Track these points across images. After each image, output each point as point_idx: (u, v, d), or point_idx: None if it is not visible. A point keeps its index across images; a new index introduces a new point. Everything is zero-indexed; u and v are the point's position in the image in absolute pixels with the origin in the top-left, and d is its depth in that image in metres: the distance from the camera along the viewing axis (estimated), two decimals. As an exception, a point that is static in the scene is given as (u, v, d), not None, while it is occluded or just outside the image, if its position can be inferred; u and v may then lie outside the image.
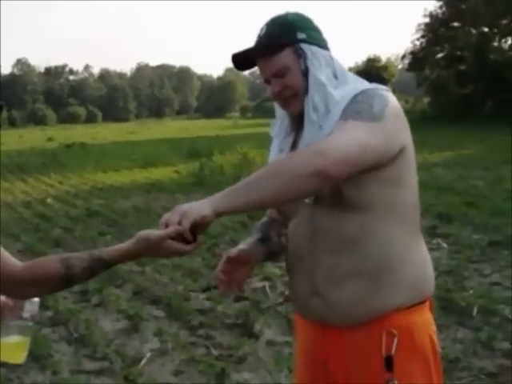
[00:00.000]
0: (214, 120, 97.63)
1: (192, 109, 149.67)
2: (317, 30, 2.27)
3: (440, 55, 47.35)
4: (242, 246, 2.35)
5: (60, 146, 39.40)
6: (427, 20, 47.15)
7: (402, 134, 2.18)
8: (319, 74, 2.18)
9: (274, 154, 2.39)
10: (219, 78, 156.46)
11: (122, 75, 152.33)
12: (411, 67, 48.71)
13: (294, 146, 2.31)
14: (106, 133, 62.16)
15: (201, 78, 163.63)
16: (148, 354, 5.55)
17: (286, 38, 2.19)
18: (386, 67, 63.25)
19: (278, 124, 2.39)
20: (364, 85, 2.23)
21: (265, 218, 2.57)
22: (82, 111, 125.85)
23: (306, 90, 2.19)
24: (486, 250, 8.37)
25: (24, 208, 14.46)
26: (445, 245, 8.79)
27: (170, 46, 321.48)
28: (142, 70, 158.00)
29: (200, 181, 16.43)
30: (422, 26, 47.41)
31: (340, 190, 2.08)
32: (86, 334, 6.01)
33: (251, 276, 2.52)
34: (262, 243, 2.40)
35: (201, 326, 6.09)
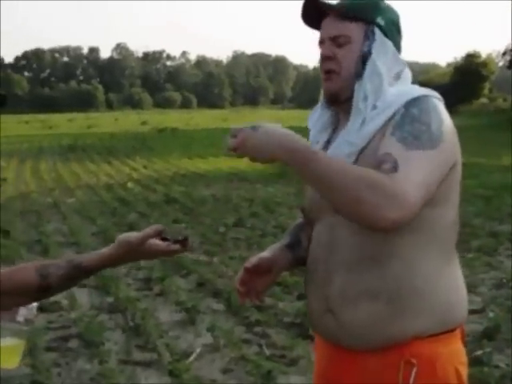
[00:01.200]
0: (308, 111, 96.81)
1: (287, 98, 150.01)
2: (397, 29, 2.07)
3: (542, 53, 45.88)
4: (265, 252, 2.17)
5: (152, 130, 40.00)
6: (531, 16, 45.71)
7: (456, 151, 1.97)
8: (380, 63, 1.98)
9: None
10: (315, 69, 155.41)
11: (218, 62, 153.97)
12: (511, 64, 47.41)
13: (328, 141, 2.11)
14: (199, 119, 62.80)
15: (296, 67, 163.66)
16: (198, 349, 5.41)
17: (366, 13, 2.01)
18: (485, 64, 61.73)
19: (317, 116, 2.19)
20: (417, 89, 2.01)
21: (299, 219, 2.36)
22: (177, 96, 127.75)
23: (357, 75, 1.98)
24: None
25: (105, 191, 14.59)
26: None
27: (266, 35, 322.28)
28: (238, 58, 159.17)
29: (282, 172, 16.25)
30: (526, 23, 45.98)
31: None
32: (141, 323, 5.90)
33: (274, 283, 2.32)
34: (291, 249, 2.22)
35: (257, 323, 5.90)
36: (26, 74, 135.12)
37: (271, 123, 1.83)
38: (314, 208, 2.11)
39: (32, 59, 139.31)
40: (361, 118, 1.96)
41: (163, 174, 17.57)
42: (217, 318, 6.12)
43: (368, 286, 1.94)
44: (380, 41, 1.99)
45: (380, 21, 2.00)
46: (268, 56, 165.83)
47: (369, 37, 1.99)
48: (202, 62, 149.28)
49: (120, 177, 17.16)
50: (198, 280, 7.36)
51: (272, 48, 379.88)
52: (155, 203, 12.69)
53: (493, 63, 62.76)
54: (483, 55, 62.74)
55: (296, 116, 71.39)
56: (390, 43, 2.01)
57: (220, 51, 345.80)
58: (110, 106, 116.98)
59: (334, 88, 2.03)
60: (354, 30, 1.99)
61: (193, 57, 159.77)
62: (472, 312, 6.07)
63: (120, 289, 6.89)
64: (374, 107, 1.96)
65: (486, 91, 62.95)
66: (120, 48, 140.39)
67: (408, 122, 1.87)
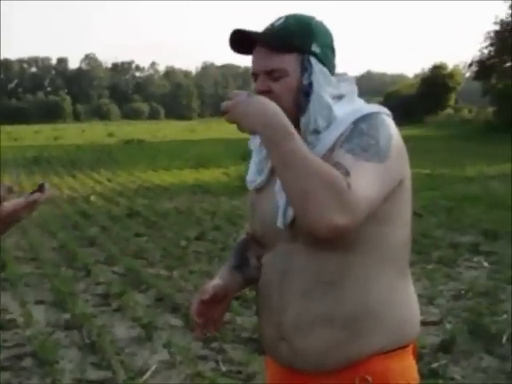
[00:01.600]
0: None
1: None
2: (332, 51, 2.03)
3: (508, 64, 46.40)
4: (217, 280, 2.12)
5: (119, 142, 39.85)
6: (497, 28, 46.27)
7: (403, 167, 1.97)
8: (324, 93, 1.95)
9: (251, 173, 2.17)
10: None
11: (187, 73, 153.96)
12: (478, 76, 47.93)
13: (273, 169, 2.05)
14: (167, 130, 62.63)
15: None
16: (154, 366, 5.35)
17: (299, 43, 1.95)
18: (451, 75, 62.33)
19: (258, 140, 2.12)
20: (365, 107, 1.99)
21: (243, 236, 2.35)
22: (145, 108, 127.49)
23: (298, 108, 1.95)
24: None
25: (67, 204, 14.46)
26: (486, 263, 8.41)
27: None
28: (207, 69, 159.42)
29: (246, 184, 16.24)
30: (492, 34, 46.60)
31: None
32: (97, 340, 5.83)
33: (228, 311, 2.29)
34: (239, 270, 2.19)
35: (214, 339, 5.84)
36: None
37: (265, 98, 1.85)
38: (268, 234, 2.08)
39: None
40: (310, 146, 1.92)
41: (127, 187, 17.45)
42: (174, 334, 6.06)
43: (322, 312, 1.93)
44: (318, 70, 1.95)
45: (315, 48, 1.96)
46: (237, 67, 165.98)
47: (306, 68, 1.95)
48: (170, 73, 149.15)
49: (83, 190, 17.01)
50: (157, 295, 7.30)
51: (241, 59, 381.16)
52: (117, 217, 12.59)
53: (459, 74, 63.31)
54: (450, 66, 63.33)
55: (264, 127, 71.66)
56: (325, 70, 1.97)
57: (189, 62, 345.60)
58: (77, 117, 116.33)
59: None
60: (289, 61, 1.95)
61: (162, 68, 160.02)
62: (430, 324, 6.10)
63: (77, 305, 6.81)
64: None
65: (452, 102, 63.50)
66: (89, 59, 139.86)
67: (356, 136, 1.88)
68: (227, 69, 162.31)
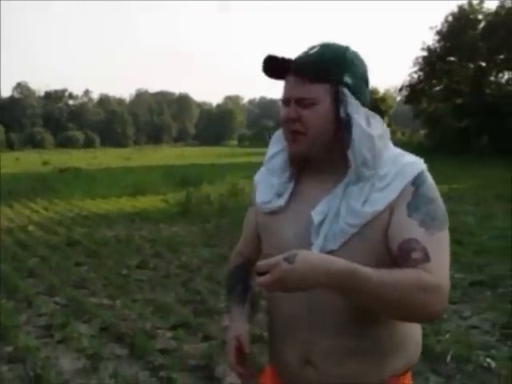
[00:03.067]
0: (211, 148, 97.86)
1: (190, 136, 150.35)
2: (366, 83, 2.06)
3: (437, 88, 47.58)
4: (241, 324, 2.17)
5: (54, 170, 39.26)
6: (425, 53, 47.40)
7: None
8: (364, 123, 1.97)
9: (266, 194, 2.17)
10: (218, 106, 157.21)
11: (121, 101, 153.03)
12: (408, 100, 48.99)
13: (292, 193, 2.11)
14: (102, 158, 62.10)
15: (200, 105, 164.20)
16: (101, 398, 5.28)
17: (332, 73, 1.96)
18: (383, 99, 63.29)
19: (279, 162, 2.16)
20: (411, 159, 2.05)
21: (239, 261, 2.41)
22: (80, 135, 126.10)
23: (346, 143, 1.96)
24: (467, 291, 8.13)
25: (5, 235, 14.18)
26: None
27: (169, 73, 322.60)
28: (141, 96, 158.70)
29: (185, 210, 16.20)
30: (420, 60, 47.76)
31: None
32: (41, 373, 5.72)
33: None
34: (250, 306, 2.26)
35: (162, 367, 5.80)
36: None
37: (300, 250, 1.76)
38: None
39: None
40: (367, 184, 1.95)
41: (65, 216, 17.20)
42: (120, 364, 5.99)
43: (354, 346, 2.00)
44: (351, 100, 1.97)
45: (348, 79, 1.97)
46: (171, 94, 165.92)
47: (339, 98, 1.96)
48: (104, 101, 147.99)
49: (20, 220, 16.71)
50: (101, 325, 7.19)
51: (175, 86, 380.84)
52: (57, 246, 12.39)
53: (391, 98, 64.40)
54: (381, 91, 64.36)
55: (199, 153, 71.65)
56: (357, 102, 1.98)
57: (123, 90, 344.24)
58: (10, 146, 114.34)
59: (299, 150, 2.01)
60: (320, 91, 1.95)
61: (95, 95, 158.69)
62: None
63: (20, 337, 6.67)
64: (377, 174, 1.97)
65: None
66: (21, 87, 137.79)
67: (423, 203, 1.92)
68: (161, 95, 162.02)
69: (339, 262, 1.73)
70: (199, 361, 5.92)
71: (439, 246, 1.88)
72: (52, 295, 8.61)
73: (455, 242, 10.98)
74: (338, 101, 1.96)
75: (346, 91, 1.96)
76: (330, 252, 1.92)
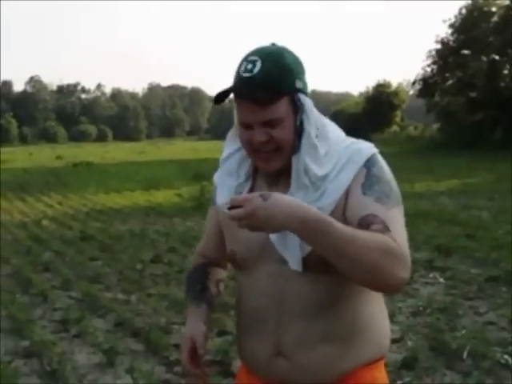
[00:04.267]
0: (224, 141, 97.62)
1: (203, 130, 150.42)
2: (305, 75, 2.04)
3: (450, 82, 47.34)
4: (199, 325, 2.15)
5: (67, 164, 39.41)
6: (439, 46, 47.16)
7: None
8: (312, 132, 1.98)
9: (225, 196, 2.16)
10: (231, 100, 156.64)
11: (133, 95, 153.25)
12: (421, 93, 48.74)
13: (250, 192, 2.09)
14: (115, 152, 62.18)
15: (212, 99, 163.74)
16: (118, 393, 5.29)
17: (286, 85, 1.94)
18: (396, 93, 63.29)
19: (236, 162, 2.17)
20: (360, 145, 2.07)
21: (199, 260, 2.42)
22: (92, 130, 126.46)
23: (294, 148, 1.98)
24: (483, 286, 8.08)
25: (19, 229, 14.24)
26: (441, 279, 8.52)
27: (182, 67, 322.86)
28: (153, 90, 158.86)
29: (200, 205, 16.19)
30: (433, 53, 47.49)
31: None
32: (57, 368, 5.74)
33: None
34: (204, 302, 2.24)
35: (178, 363, 5.79)
36: None
37: (276, 192, 1.81)
38: (252, 256, 2.11)
39: None
40: (309, 190, 1.97)
41: (79, 210, 17.25)
42: (136, 359, 6.00)
43: (323, 331, 2.04)
44: (307, 107, 1.98)
45: (298, 84, 1.98)
46: (184, 88, 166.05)
47: (298, 107, 1.96)
48: (117, 95, 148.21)
49: (34, 214, 16.76)
50: (116, 319, 7.22)
51: (187, 80, 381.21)
52: (71, 241, 12.43)
53: (403, 92, 64.34)
54: (394, 84, 64.26)
55: (212, 147, 71.48)
56: (310, 101, 1.99)
57: (135, 83, 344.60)
58: (24, 140, 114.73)
59: (276, 167, 2.03)
60: (283, 107, 1.95)
61: (108, 89, 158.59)
62: (391, 341, 6.14)
63: (35, 332, 6.69)
64: (317, 176, 1.98)
65: (397, 120, 64.39)
66: (33, 81, 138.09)
67: (375, 182, 1.97)
68: (174, 89, 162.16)
69: (308, 209, 1.77)
70: (215, 356, 5.91)
71: (396, 219, 1.93)
72: (67, 289, 8.64)
73: (469, 236, 10.98)
74: (296, 109, 1.97)
75: (302, 96, 1.98)
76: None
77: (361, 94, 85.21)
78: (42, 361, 6.06)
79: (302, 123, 1.97)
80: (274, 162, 2.00)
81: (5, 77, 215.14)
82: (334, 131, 2.09)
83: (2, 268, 10.20)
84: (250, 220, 1.75)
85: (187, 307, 2.29)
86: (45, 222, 15.10)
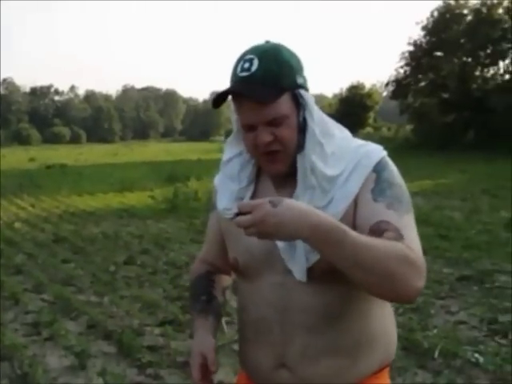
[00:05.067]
0: (198, 143, 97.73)
1: (177, 132, 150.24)
2: (304, 71, 1.97)
3: (423, 83, 47.61)
4: (208, 339, 2.06)
5: (41, 166, 39.19)
6: (411, 48, 47.43)
7: None
8: (317, 128, 1.92)
9: (227, 200, 2.10)
10: (205, 102, 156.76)
11: (107, 97, 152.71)
12: (395, 95, 48.99)
13: (253, 196, 2.05)
14: (89, 154, 61.93)
15: (186, 101, 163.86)
16: (89, 396, 5.26)
17: (286, 82, 1.88)
18: (369, 94, 63.45)
19: (238, 168, 2.09)
20: (368, 147, 2.01)
21: (202, 269, 2.32)
22: (66, 132, 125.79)
23: (298, 147, 1.92)
24: (455, 286, 8.15)
25: (-8, 232, 14.12)
26: (414, 279, 8.53)
27: (155, 69, 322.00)
28: (127, 92, 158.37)
29: (173, 207, 16.16)
30: (406, 55, 47.77)
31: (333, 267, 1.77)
32: (29, 371, 5.70)
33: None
34: (211, 312, 2.16)
35: (150, 365, 5.79)
36: None
37: (286, 198, 1.71)
38: (255, 265, 2.04)
39: None
40: (316, 191, 1.91)
41: (52, 213, 17.13)
42: (108, 361, 5.97)
43: (329, 343, 1.97)
44: (309, 102, 1.92)
45: (300, 80, 1.92)
46: (158, 90, 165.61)
47: (300, 103, 1.91)
48: (90, 97, 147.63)
49: (6, 216, 16.62)
50: (89, 322, 7.17)
51: (162, 82, 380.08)
52: (43, 243, 12.35)
53: (377, 94, 64.54)
54: (367, 86, 64.46)
55: (186, 149, 71.50)
56: (311, 97, 1.94)
57: (109, 86, 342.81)
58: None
59: (283, 169, 1.95)
60: (285, 104, 1.88)
61: (81, 91, 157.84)
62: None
63: (6, 335, 6.63)
64: (325, 176, 1.92)
65: (370, 121, 64.63)
66: (6, 83, 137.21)
67: (387, 187, 1.90)
68: (148, 91, 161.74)
69: (322, 216, 1.68)
70: (187, 357, 5.89)
71: (410, 226, 1.87)
72: (39, 292, 8.58)
73: (441, 237, 11.05)
74: (298, 106, 1.92)
75: (303, 92, 1.92)
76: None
77: (334, 96, 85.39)
78: (12, 364, 6.01)
79: (304, 120, 1.92)
80: (280, 163, 1.94)
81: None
82: (339, 129, 2.06)
83: (-27, 271, 10.11)
84: (259, 227, 1.66)
85: (193, 319, 2.19)
86: (17, 225, 14.98)
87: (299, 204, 1.70)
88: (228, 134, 2.22)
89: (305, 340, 1.97)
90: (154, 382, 5.53)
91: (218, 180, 2.20)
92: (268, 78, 1.85)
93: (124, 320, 7.18)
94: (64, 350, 6.30)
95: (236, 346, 5.94)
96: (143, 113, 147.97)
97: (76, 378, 5.70)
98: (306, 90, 1.94)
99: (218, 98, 1.92)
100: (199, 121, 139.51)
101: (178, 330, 6.68)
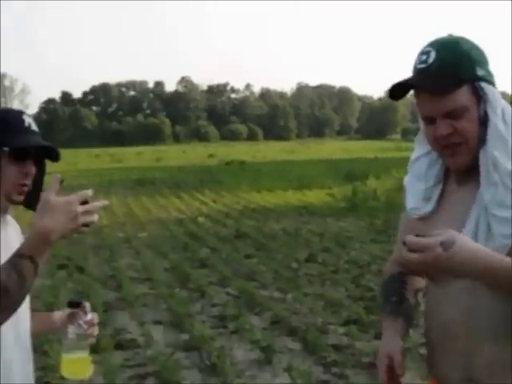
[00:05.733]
0: (374, 141, 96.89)
1: (352, 129, 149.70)
2: (488, 64, 1.89)
3: None
4: (395, 341, 2.03)
5: (220, 163, 40.30)
6: None
7: None
8: (499, 122, 1.84)
9: (414, 200, 2.06)
10: (380, 100, 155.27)
11: (282, 94, 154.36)
12: None
13: (441, 196, 2.00)
14: (266, 151, 63.01)
15: (361, 98, 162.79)
16: (277, 390, 5.33)
17: (465, 73, 1.82)
18: None
19: (425, 167, 2.05)
20: None
21: (394, 269, 2.24)
22: (243, 129, 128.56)
23: (480, 141, 1.84)
24: None
25: (176, 226, 14.66)
26: None
27: (329, 67, 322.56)
28: (302, 89, 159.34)
29: (353, 205, 16.13)
30: None
31: None
32: (217, 362, 5.85)
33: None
34: (404, 319, 2.10)
35: (335, 364, 5.79)
36: (93, 108, 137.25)
37: (457, 235, 1.66)
38: None
39: (99, 94, 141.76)
40: (499, 187, 1.82)
41: (233, 208, 17.60)
42: (293, 358, 6.04)
43: None
44: (491, 95, 1.84)
45: (480, 71, 1.84)
46: (332, 87, 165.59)
47: (480, 95, 1.83)
48: (266, 95, 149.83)
49: (190, 211, 17.23)
50: (273, 317, 7.29)
51: (335, 79, 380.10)
52: (226, 238, 12.70)
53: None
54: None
55: (362, 147, 71.21)
56: (496, 91, 1.86)
57: (283, 84, 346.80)
58: (176, 138, 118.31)
59: (463, 162, 1.89)
60: (464, 96, 1.82)
61: (257, 89, 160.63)
62: None
63: (194, 326, 6.85)
64: (508, 172, 1.83)
65: None
66: (185, 81, 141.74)
67: None
68: (322, 89, 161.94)
69: (496, 257, 1.65)
70: (372, 358, 5.83)
71: None
72: (224, 286, 8.81)
73: None
74: (479, 99, 1.83)
75: (483, 85, 1.83)
76: None
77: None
78: (201, 355, 6.20)
79: (486, 114, 1.83)
80: (461, 156, 1.87)
81: (157, 78, 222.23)
82: None
83: (160, 263, 10.52)
84: (428, 268, 1.64)
85: (383, 320, 2.14)
86: (200, 219, 15.48)
87: (468, 246, 1.65)
88: (405, 132, 2.16)
89: (492, 350, 1.85)
90: (339, 381, 5.52)
91: (406, 180, 2.14)
92: (444, 69, 1.81)
93: (308, 317, 7.22)
94: (250, 344, 6.43)
95: (422, 350, 5.88)
96: (318, 110, 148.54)
97: (262, 372, 5.80)
98: (490, 83, 1.85)
99: (394, 89, 1.89)
100: (375, 118, 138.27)
101: (362, 331, 6.63)
